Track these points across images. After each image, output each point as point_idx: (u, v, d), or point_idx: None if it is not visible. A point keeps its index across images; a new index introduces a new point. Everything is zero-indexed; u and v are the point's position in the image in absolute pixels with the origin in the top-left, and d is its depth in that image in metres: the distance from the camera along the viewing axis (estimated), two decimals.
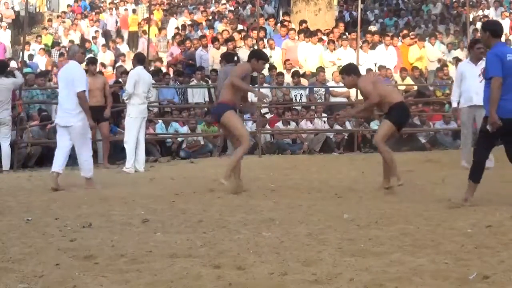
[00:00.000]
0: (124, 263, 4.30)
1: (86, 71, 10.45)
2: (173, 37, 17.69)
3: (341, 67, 8.22)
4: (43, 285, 3.82)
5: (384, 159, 7.47)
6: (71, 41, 19.43)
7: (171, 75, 14.64)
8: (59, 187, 8.04)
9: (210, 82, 14.16)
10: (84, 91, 8.12)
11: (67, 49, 18.73)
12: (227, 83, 7.82)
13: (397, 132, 7.64)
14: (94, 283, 3.84)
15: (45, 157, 11.36)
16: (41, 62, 17.47)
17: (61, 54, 17.73)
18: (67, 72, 8.32)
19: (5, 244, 4.92)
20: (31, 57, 17.55)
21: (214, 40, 15.95)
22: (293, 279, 3.87)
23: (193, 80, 14.41)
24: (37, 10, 24.33)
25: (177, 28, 19.26)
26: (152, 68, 14.78)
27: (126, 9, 22.38)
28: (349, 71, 7.70)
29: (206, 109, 13.48)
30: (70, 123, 8.15)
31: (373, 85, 7.52)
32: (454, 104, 9.82)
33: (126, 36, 20.93)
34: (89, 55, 18.47)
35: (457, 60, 16.29)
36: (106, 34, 21.03)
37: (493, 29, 6.61)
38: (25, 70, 13.45)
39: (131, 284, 3.83)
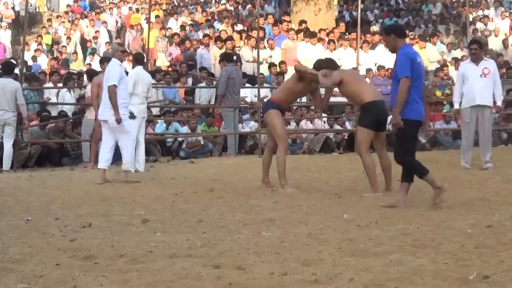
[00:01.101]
0: (124, 263, 4.30)
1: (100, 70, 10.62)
2: (171, 38, 17.68)
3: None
4: (43, 285, 3.82)
5: (365, 168, 7.48)
6: (69, 38, 19.45)
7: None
8: (107, 180, 8.54)
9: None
10: (115, 85, 8.58)
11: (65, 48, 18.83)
12: (287, 84, 8.18)
13: (381, 132, 7.55)
14: (94, 283, 3.84)
15: (45, 157, 11.38)
16: (43, 63, 17.45)
17: (55, 58, 17.60)
18: (107, 70, 8.86)
19: (5, 244, 4.92)
20: (34, 58, 17.55)
21: (217, 39, 15.94)
22: (293, 279, 3.87)
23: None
24: (37, 10, 24.31)
25: (170, 28, 19.23)
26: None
27: (130, 8, 22.39)
28: (322, 67, 7.78)
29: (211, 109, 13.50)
30: (106, 117, 8.69)
31: (348, 78, 7.58)
32: (456, 106, 9.82)
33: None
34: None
35: (456, 61, 16.33)
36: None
37: (397, 30, 6.66)
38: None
39: (131, 284, 3.83)
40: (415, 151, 6.66)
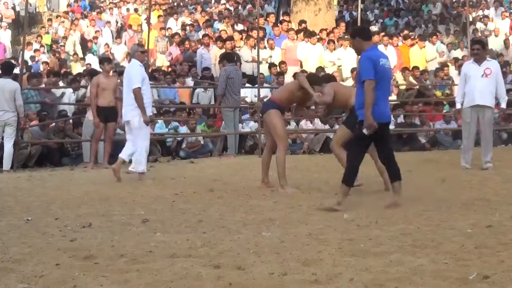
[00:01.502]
0: (124, 263, 4.30)
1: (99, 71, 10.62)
2: (171, 38, 17.68)
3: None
4: (43, 285, 3.82)
5: (340, 160, 7.58)
6: (65, 38, 19.43)
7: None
8: (118, 173, 8.56)
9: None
10: (139, 88, 8.62)
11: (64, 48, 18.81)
12: (289, 87, 8.26)
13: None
14: (94, 283, 3.85)
15: (45, 157, 11.38)
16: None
17: (46, 63, 17.37)
18: (128, 71, 8.91)
19: (5, 244, 4.92)
20: (33, 58, 17.52)
21: (217, 39, 15.94)
22: (293, 279, 3.87)
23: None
24: (37, 10, 24.31)
25: (170, 28, 19.21)
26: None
27: (128, 9, 22.37)
28: (312, 84, 7.91)
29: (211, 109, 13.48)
30: (128, 118, 8.77)
31: (334, 89, 7.77)
32: (458, 106, 9.80)
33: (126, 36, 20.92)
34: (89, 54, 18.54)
35: (455, 61, 16.34)
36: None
37: (362, 33, 6.70)
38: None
39: (131, 284, 3.83)
40: (362, 155, 6.67)
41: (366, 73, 6.33)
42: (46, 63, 16.85)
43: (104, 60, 11.41)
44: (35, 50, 17.85)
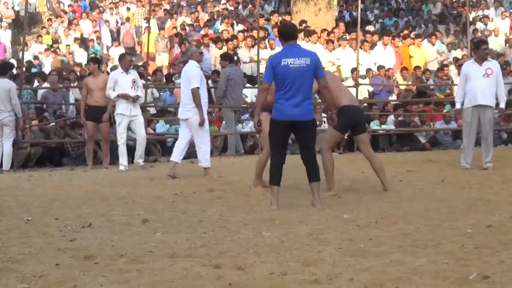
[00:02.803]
0: (124, 263, 4.30)
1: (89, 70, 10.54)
2: (173, 37, 17.68)
3: None
4: (43, 285, 3.82)
5: (323, 164, 7.55)
6: (57, 42, 19.40)
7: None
8: (175, 175, 8.88)
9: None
10: (198, 88, 8.82)
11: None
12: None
13: (360, 136, 7.70)
14: (94, 283, 3.85)
15: (45, 157, 11.37)
16: (47, 63, 17.37)
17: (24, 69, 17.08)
18: (186, 71, 9.14)
19: (5, 244, 4.92)
20: (36, 58, 17.49)
21: (217, 39, 15.92)
22: (293, 279, 3.87)
23: None
24: (37, 10, 24.28)
25: (175, 27, 19.21)
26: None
27: (128, 8, 22.38)
28: None
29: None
30: (186, 116, 8.99)
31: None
32: (458, 106, 9.79)
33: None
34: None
35: (456, 60, 16.32)
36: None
37: (281, 32, 6.81)
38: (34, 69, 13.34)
39: (131, 284, 3.84)
40: (278, 152, 6.68)
41: (264, 75, 6.61)
42: (23, 69, 16.77)
43: (90, 60, 11.43)
44: (46, 49, 17.78)
